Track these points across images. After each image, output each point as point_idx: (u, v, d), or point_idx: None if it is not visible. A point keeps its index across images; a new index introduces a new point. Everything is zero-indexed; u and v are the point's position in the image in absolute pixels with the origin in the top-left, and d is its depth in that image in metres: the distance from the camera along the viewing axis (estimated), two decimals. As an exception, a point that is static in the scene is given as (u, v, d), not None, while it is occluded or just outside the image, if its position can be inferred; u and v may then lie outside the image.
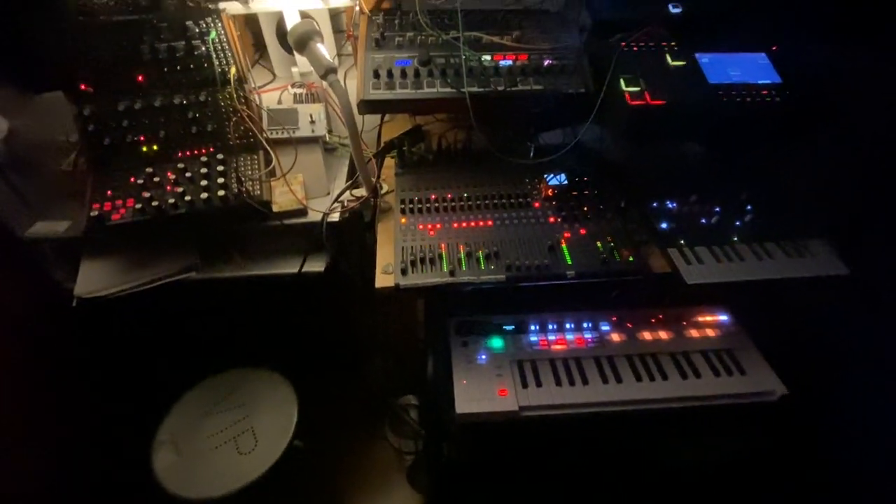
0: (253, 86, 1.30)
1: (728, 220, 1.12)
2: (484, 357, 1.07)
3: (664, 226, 1.11)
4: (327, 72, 1.01)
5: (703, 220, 1.12)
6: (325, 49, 1.05)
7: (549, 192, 1.17)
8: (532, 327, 1.14)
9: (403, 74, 1.12)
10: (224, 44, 1.12)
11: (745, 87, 1.10)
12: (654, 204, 1.16)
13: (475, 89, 1.11)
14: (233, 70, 1.13)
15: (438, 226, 1.10)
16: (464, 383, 1.02)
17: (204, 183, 1.09)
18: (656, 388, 1.02)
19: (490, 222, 1.10)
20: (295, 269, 1.14)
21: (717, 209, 1.15)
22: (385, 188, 1.23)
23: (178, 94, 1.14)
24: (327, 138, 1.30)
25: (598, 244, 1.05)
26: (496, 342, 1.11)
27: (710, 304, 1.19)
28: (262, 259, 1.18)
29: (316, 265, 1.16)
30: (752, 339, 1.12)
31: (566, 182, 1.19)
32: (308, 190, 1.23)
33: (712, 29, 1.21)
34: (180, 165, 1.11)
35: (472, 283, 0.98)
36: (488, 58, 1.16)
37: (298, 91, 1.31)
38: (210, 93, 1.13)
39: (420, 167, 1.24)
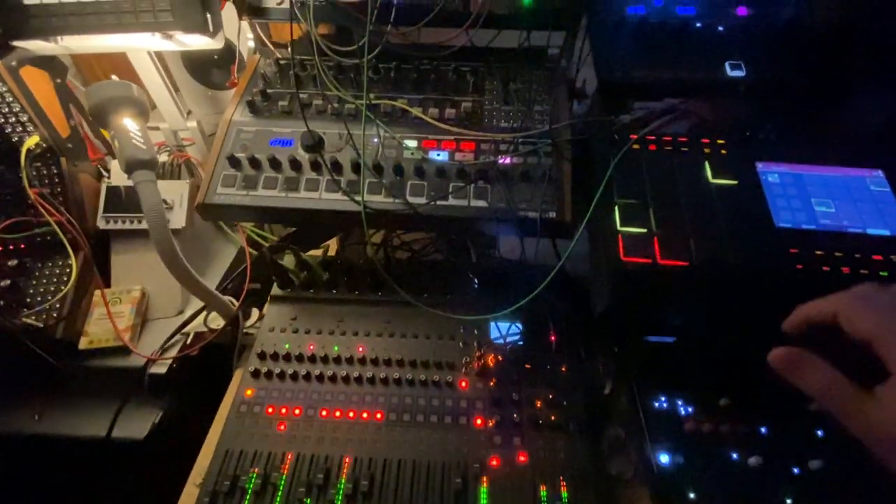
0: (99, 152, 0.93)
1: (776, 464, 0.66)
2: None
3: (665, 458, 0.66)
4: (130, 166, 0.63)
5: (734, 455, 0.67)
6: (144, 130, 0.66)
7: (491, 359, 0.75)
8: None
9: (276, 164, 0.72)
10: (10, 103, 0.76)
11: (846, 240, 0.62)
12: (658, 402, 0.71)
13: (379, 199, 0.70)
14: (31, 141, 0.77)
15: (298, 411, 0.70)
16: None
17: (-25, 304, 0.75)
18: None
19: (379, 415, 0.69)
20: (104, 432, 0.78)
21: (764, 430, 0.68)
22: (255, 317, 0.85)
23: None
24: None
25: (543, 492, 0.62)
26: None
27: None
28: (70, 411, 0.82)
29: (135, 427, 0.79)
30: None
31: (519, 343, 0.77)
32: (153, 307, 0.86)
33: (793, 118, 0.73)
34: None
35: (311, 552, 0.58)
36: (413, 144, 0.74)
37: (161, 159, 0.93)
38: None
39: (309, 289, 0.84)
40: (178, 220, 0.86)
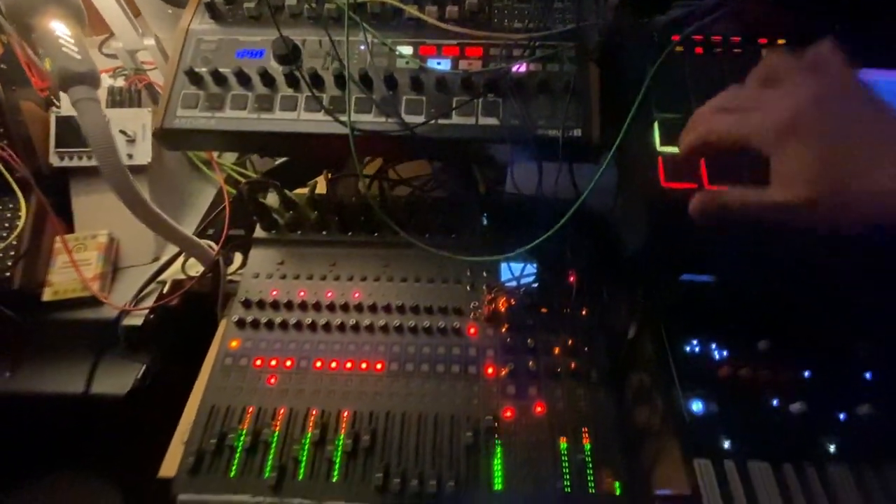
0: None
1: (821, 410, 0.59)
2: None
3: (697, 406, 0.60)
4: (64, 80, 0.52)
5: (776, 401, 0.60)
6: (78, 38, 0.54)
7: (502, 303, 0.67)
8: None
9: (244, 80, 0.61)
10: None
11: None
12: (689, 347, 0.64)
13: (369, 120, 0.59)
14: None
15: (290, 363, 0.63)
16: None
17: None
18: None
19: (380, 365, 0.62)
20: (80, 389, 0.72)
21: (807, 374, 0.62)
22: (238, 262, 0.76)
23: None
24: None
25: (563, 444, 0.56)
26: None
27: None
28: (42, 368, 0.75)
29: (116, 383, 0.73)
30: None
31: (534, 285, 0.68)
32: (124, 254, 0.77)
33: (864, 14, 0.60)
34: None
35: (308, 510, 0.53)
36: (408, 51, 0.62)
37: (118, 85, 0.81)
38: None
39: (296, 230, 0.75)
40: (141, 154, 0.76)
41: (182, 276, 0.74)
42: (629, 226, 0.60)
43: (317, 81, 0.60)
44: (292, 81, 0.60)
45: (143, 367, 0.73)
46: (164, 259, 0.76)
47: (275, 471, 0.54)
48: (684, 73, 0.57)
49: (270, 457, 0.56)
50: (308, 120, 0.59)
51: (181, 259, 0.75)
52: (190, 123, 0.60)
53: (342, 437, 0.57)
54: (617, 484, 0.53)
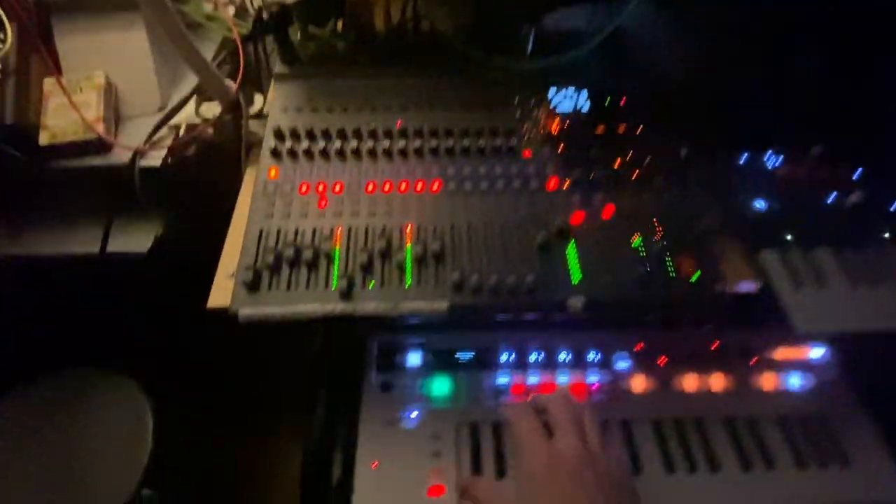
0: None
1: (877, 199, 0.60)
2: (416, 415, 0.64)
3: (760, 203, 0.60)
4: None
5: (833, 196, 0.61)
6: None
7: (554, 125, 0.64)
8: (503, 357, 0.69)
9: None
10: None
11: None
12: (745, 157, 0.64)
13: None
14: None
15: (338, 188, 0.58)
16: (373, 468, 0.60)
17: None
18: (699, 488, 0.60)
19: (437, 185, 0.59)
20: (96, 248, 0.66)
21: (859, 172, 0.62)
22: (260, 103, 0.69)
23: None
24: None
25: (637, 239, 0.55)
26: (441, 384, 0.67)
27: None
28: (50, 227, 0.68)
29: (136, 241, 0.67)
30: (859, 396, 0.68)
31: (588, 106, 0.65)
32: (124, 103, 0.69)
33: None
34: None
35: (384, 316, 0.51)
36: None
37: None
38: None
39: (322, 65, 0.68)
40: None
41: (197, 121, 0.67)
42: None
43: None
44: None
45: (163, 225, 0.67)
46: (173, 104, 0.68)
47: (344, 279, 0.50)
48: None
49: (335, 268, 0.52)
50: None
51: (194, 102, 0.67)
52: None
53: (409, 247, 0.53)
54: (696, 272, 0.53)
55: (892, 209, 0.60)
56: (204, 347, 1.00)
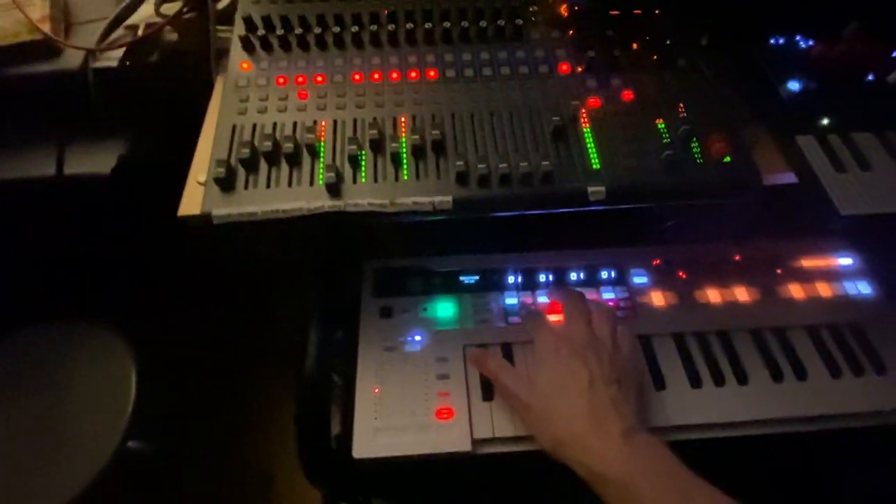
0: None
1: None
2: (420, 338, 0.59)
3: (794, 85, 0.53)
4: None
5: (871, 76, 0.54)
6: None
7: (564, 8, 0.56)
8: (510, 279, 0.64)
9: None
10: None
11: None
12: (775, 40, 0.57)
13: None
14: None
15: (320, 78, 0.51)
16: (374, 393, 0.55)
17: None
18: (727, 402, 0.56)
19: (433, 72, 0.52)
20: (52, 170, 0.58)
21: (899, 52, 0.56)
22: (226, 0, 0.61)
23: None
24: None
25: (660, 124, 0.49)
26: (445, 307, 0.61)
27: (823, 235, 0.68)
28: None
29: (97, 161, 0.59)
30: (892, 304, 0.63)
31: (598, -10, 0.58)
32: (76, 7, 0.60)
33: None
34: None
35: (379, 212, 0.44)
36: None
37: None
38: None
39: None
40: None
41: (157, 20, 0.59)
42: None
43: None
44: None
45: (127, 140, 0.60)
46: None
47: (330, 173, 0.44)
48: None
49: (321, 162, 0.45)
50: None
51: (154, 3, 0.59)
52: None
53: (404, 138, 0.47)
54: (727, 157, 0.47)
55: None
56: (188, 291, 0.94)
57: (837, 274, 0.65)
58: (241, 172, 0.45)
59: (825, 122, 0.52)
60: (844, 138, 0.51)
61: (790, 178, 0.51)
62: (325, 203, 0.44)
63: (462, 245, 0.65)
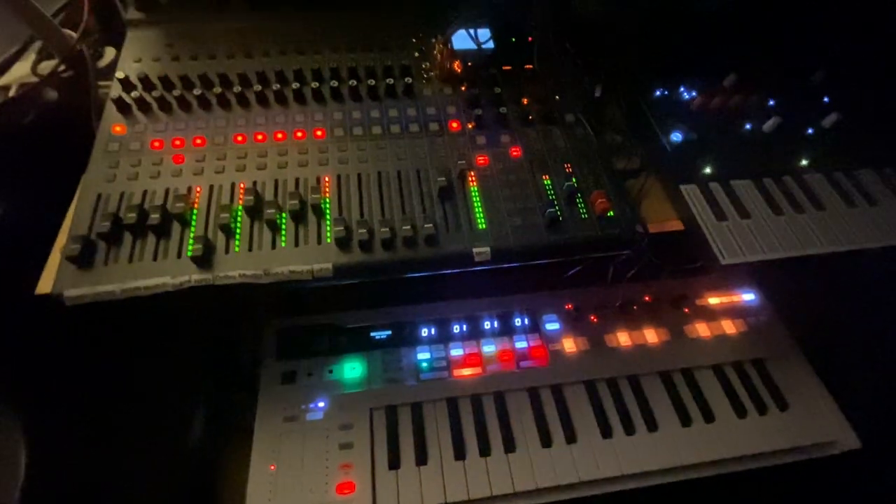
0: None
1: (792, 125, 0.58)
2: (323, 405, 0.55)
3: (676, 137, 0.55)
4: None
5: (748, 125, 0.58)
6: None
7: (457, 64, 0.57)
8: (422, 332, 0.62)
9: None
10: None
11: None
12: (659, 91, 0.59)
13: None
14: None
15: (200, 141, 0.49)
16: (270, 471, 0.51)
17: None
18: (638, 452, 0.55)
19: (320, 132, 0.51)
20: None
21: (772, 102, 0.60)
22: (112, 56, 0.58)
23: None
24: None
25: (546, 180, 0.49)
26: (353, 367, 0.58)
27: (725, 274, 0.70)
28: None
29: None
30: (793, 338, 0.66)
31: (490, 42, 0.59)
32: (-66, 59, 0.56)
33: None
34: None
35: (253, 283, 0.42)
36: None
37: None
38: None
39: (185, 9, 0.58)
40: None
41: (33, 79, 0.55)
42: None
43: None
44: None
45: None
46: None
47: (199, 243, 0.41)
48: None
49: (191, 231, 0.43)
50: None
51: (31, 59, 0.55)
52: None
53: (285, 201, 0.45)
54: (610, 211, 0.48)
55: (808, 133, 0.58)
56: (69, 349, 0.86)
57: (741, 310, 0.67)
58: (102, 247, 0.42)
59: (707, 170, 0.54)
60: (725, 186, 0.53)
61: (677, 225, 0.52)
62: (192, 276, 0.41)
63: (368, 298, 0.63)
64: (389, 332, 0.62)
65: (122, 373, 0.88)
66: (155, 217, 0.42)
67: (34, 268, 0.46)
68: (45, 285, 0.43)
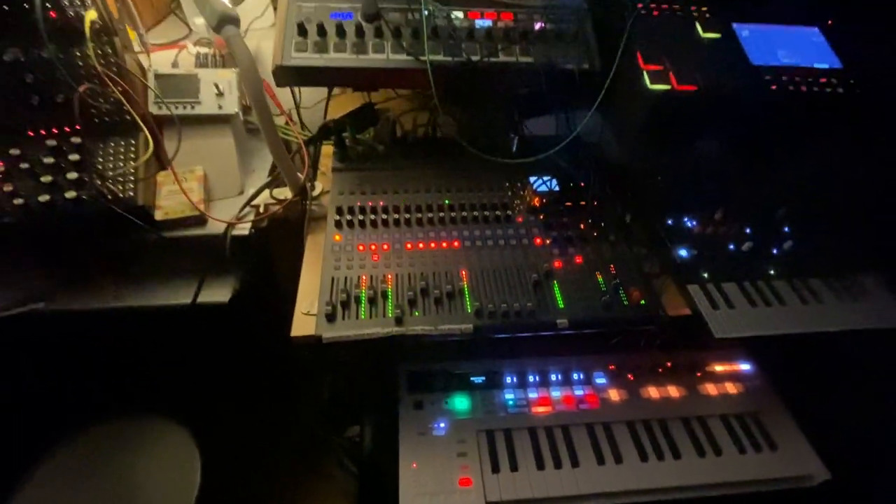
0: (142, 42, 0.96)
1: (762, 247, 0.86)
2: (443, 425, 0.80)
3: (683, 252, 0.85)
4: (221, 21, 0.69)
5: (732, 246, 0.87)
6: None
7: (536, 201, 0.89)
8: (507, 379, 0.88)
9: (341, 32, 0.80)
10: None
11: (798, 71, 0.83)
12: (670, 221, 0.90)
13: (440, 58, 0.80)
14: (89, 16, 0.78)
15: (386, 247, 0.80)
16: (413, 468, 0.75)
17: (47, 179, 0.76)
18: (667, 472, 0.78)
19: (457, 243, 0.82)
20: (188, 300, 0.83)
21: (748, 230, 0.89)
22: (319, 189, 0.92)
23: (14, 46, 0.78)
24: (243, 116, 0.97)
25: (599, 278, 0.78)
26: (461, 402, 0.84)
27: (728, 348, 0.95)
28: (145, 284, 0.86)
29: (218, 293, 0.85)
30: (780, 396, 0.89)
31: (557, 188, 0.91)
32: (213, 188, 0.91)
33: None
34: (14, 152, 0.77)
35: (428, 335, 0.70)
36: (460, 15, 0.85)
37: (203, 51, 0.97)
38: (62, 48, 0.78)
39: (367, 162, 0.93)
40: (230, 105, 0.91)
41: (272, 202, 0.89)
42: (622, 133, 0.85)
43: (397, 33, 0.81)
44: (378, 33, 0.81)
45: (240, 279, 0.86)
46: (249, 191, 0.90)
47: (397, 309, 0.70)
48: (648, 26, 0.85)
49: (390, 302, 0.72)
50: (395, 59, 0.80)
51: (269, 190, 0.90)
52: (303, 62, 0.78)
53: (444, 287, 0.74)
54: (642, 300, 0.76)
55: (774, 252, 0.86)
56: (251, 392, 1.13)
57: (740, 376, 0.91)
58: (340, 309, 0.71)
59: (705, 275, 0.82)
60: (717, 287, 0.81)
61: (686, 311, 0.79)
62: (394, 329, 0.69)
63: (470, 348, 0.90)
64: (484, 378, 0.87)
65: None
66: (369, 292, 0.72)
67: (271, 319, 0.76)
68: (299, 330, 0.72)
